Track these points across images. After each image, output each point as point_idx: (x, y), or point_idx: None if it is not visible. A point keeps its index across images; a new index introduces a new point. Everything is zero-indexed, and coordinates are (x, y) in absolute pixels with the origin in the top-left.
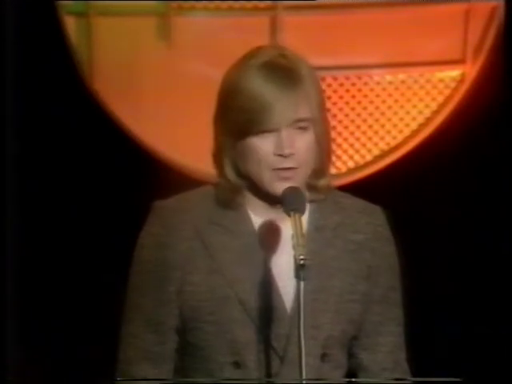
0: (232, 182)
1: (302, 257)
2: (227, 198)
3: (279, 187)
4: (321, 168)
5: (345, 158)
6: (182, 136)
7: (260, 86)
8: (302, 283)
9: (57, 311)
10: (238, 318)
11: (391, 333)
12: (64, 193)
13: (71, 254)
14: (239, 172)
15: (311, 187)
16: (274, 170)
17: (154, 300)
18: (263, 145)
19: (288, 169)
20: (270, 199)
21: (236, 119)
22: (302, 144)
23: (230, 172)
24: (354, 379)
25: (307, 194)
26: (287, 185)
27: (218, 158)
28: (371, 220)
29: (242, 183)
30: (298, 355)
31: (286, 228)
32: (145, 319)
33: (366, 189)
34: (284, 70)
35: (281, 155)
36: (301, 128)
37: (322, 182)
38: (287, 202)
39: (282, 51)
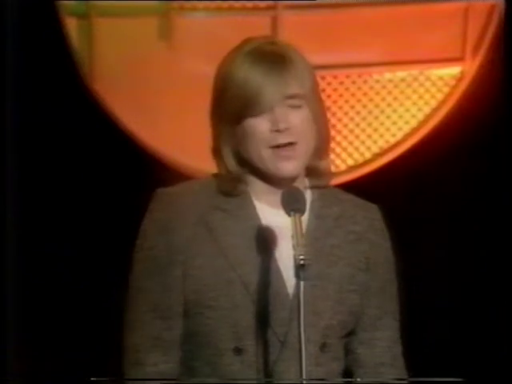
0: (232, 172)
1: (301, 257)
2: (229, 187)
3: (280, 167)
4: (321, 147)
5: (344, 155)
6: (182, 135)
7: (247, 71)
8: (302, 283)
9: (55, 311)
10: (240, 302)
11: (388, 327)
12: (64, 192)
13: (70, 254)
14: (240, 160)
15: (312, 170)
16: (273, 148)
17: (159, 285)
18: (259, 124)
19: (286, 145)
20: (273, 181)
21: (231, 107)
22: (296, 120)
23: (230, 162)
24: (353, 379)
25: (307, 181)
26: (288, 164)
27: (217, 149)
28: (368, 214)
29: (242, 171)
30: (298, 342)
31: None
32: (152, 305)
33: (366, 187)
34: (271, 54)
35: (277, 130)
36: (294, 106)
37: (324, 165)
38: (287, 202)
39: (271, 39)
